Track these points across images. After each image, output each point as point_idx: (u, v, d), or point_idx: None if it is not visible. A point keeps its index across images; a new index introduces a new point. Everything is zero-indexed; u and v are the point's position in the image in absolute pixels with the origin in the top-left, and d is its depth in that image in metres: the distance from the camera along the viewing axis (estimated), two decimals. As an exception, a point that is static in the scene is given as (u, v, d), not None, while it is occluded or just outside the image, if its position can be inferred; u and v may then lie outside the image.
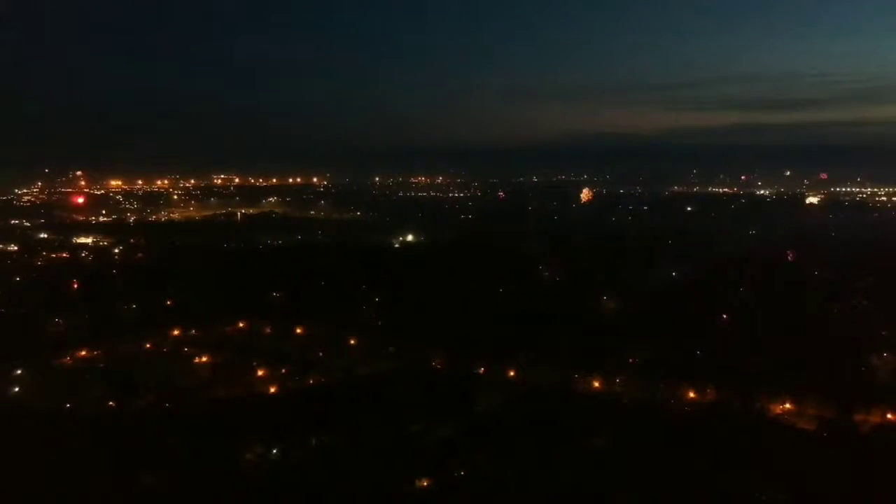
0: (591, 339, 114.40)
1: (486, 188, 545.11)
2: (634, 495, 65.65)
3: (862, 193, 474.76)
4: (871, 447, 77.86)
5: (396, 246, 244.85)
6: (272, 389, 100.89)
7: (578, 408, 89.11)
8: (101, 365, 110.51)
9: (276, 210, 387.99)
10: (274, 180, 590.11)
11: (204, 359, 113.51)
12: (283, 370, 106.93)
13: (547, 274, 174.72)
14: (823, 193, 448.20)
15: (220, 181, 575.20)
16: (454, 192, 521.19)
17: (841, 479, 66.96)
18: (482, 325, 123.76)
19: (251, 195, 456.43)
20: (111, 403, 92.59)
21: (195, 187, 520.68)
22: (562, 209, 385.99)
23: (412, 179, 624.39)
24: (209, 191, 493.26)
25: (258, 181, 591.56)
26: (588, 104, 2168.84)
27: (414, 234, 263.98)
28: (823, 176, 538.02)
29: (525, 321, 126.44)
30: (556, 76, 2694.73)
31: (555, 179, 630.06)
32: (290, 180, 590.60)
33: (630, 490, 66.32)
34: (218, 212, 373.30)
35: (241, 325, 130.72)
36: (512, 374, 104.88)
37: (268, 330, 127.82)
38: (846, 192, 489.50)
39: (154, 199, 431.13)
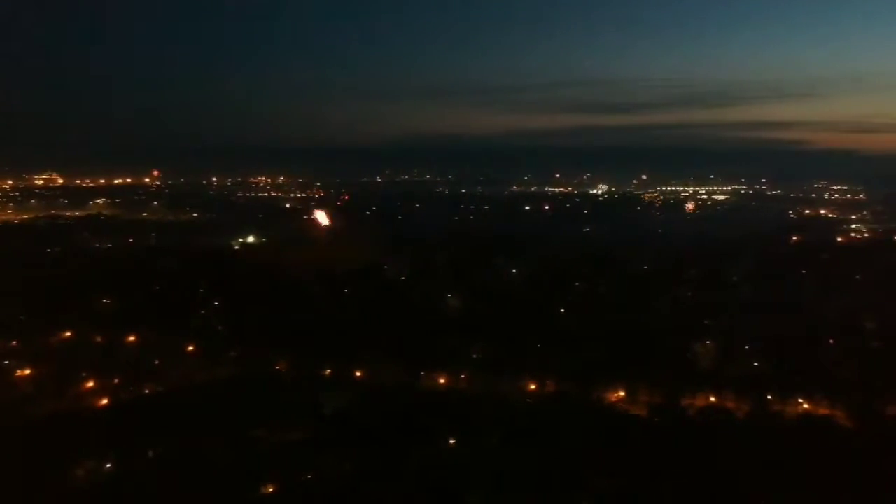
0: (436, 336, 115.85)
1: (329, 188, 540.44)
2: (479, 489, 66.78)
3: (686, 191, 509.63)
4: (697, 428, 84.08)
5: (236, 248, 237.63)
6: (103, 401, 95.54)
7: (425, 405, 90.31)
8: None
9: (105, 212, 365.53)
10: (102, 181, 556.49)
11: (26, 371, 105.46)
12: (116, 380, 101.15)
13: (390, 273, 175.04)
14: (655, 192, 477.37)
15: (41, 182, 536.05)
16: (296, 193, 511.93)
17: (671, 460, 71.41)
18: (326, 327, 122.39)
19: (77, 196, 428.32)
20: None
21: (13, 189, 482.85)
22: (406, 209, 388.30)
23: (252, 180, 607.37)
24: (29, 192, 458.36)
25: (84, 182, 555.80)
26: (434, 105, 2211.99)
27: (254, 236, 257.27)
28: (644, 176, 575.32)
29: (369, 321, 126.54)
30: (402, 77, 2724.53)
31: (398, 180, 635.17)
32: (120, 181, 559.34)
33: (474, 484, 67.43)
34: (39, 214, 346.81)
35: (67, 334, 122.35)
36: (359, 374, 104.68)
37: (98, 339, 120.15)
38: (672, 190, 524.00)
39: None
